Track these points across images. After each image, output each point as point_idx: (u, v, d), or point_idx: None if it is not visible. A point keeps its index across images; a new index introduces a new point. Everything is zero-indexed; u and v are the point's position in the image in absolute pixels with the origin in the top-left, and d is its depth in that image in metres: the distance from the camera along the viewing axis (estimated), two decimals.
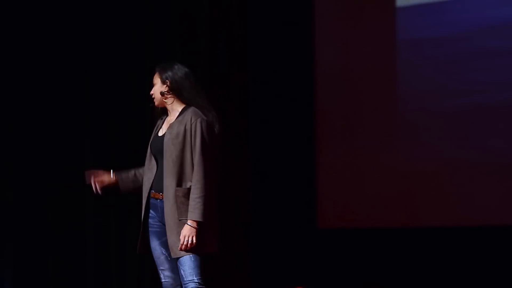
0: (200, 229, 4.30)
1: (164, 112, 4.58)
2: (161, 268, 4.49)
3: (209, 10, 7.49)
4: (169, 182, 4.35)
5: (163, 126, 4.54)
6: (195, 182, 4.31)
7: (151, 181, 4.48)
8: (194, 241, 4.28)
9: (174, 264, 4.42)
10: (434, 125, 7.09)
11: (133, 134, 7.44)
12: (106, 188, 4.65)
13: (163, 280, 4.50)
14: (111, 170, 4.64)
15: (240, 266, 7.45)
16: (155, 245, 4.47)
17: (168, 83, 4.46)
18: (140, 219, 4.58)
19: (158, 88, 4.49)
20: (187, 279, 4.35)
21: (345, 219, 7.41)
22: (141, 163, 7.45)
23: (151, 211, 4.49)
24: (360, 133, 7.37)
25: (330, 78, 7.54)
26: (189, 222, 4.29)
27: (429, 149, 7.10)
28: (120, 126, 7.44)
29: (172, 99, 4.48)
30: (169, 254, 4.41)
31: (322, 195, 7.51)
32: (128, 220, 7.41)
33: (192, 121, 4.36)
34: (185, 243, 4.28)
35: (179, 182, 4.34)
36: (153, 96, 4.52)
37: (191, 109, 4.42)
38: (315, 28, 7.61)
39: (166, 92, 4.46)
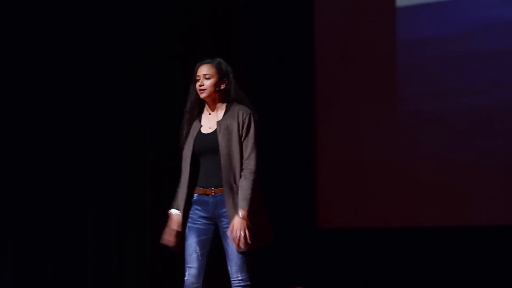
0: (256, 220, 4.37)
1: (196, 107, 4.58)
2: (189, 265, 4.46)
3: (209, 9, 7.52)
4: (226, 177, 4.40)
5: (202, 123, 4.55)
6: (247, 174, 4.39)
7: (196, 178, 4.50)
8: (247, 233, 4.31)
9: (203, 264, 4.44)
10: (433, 125, 7.09)
11: (133, 133, 7.45)
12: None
13: (186, 278, 4.47)
14: (178, 213, 4.57)
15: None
16: (192, 242, 4.47)
17: (225, 80, 4.52)
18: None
19: (214, 83, 4.50)
20: (234, 276, 4.40)
21: (345, 219, 7.40)
22: (141, 162, 7.49)
23: (197, 207, 4.49)
24: (360, 133, 7.36)
25: (330, 78, 7.54)
26: (240, 213, 4.33)
27: (429, 149, 7.10)
28: (120, 125, 7.45)
29: (221, 95, 4.53)
30: (202, 254, 4.44)
31: (322, 195, 7.51)
32: (128, 220, 7.42)
33: (244, 116, 4.46)
34: (238, 237, 4.30)
35: (236, 177, 4.41)
36: (203, 89, 4.51)
37: (239, 105, 4.51)
38: (315, 28, 7.61)
39: (221, 89, 4.51)
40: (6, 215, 7.15)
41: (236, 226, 4.32)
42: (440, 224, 7.05)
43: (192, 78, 4.54)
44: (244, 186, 4.37)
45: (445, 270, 6.93)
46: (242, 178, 4.38)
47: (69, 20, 7.38)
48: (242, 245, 4.33)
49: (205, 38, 7.47)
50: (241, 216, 4.33)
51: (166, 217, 7.35)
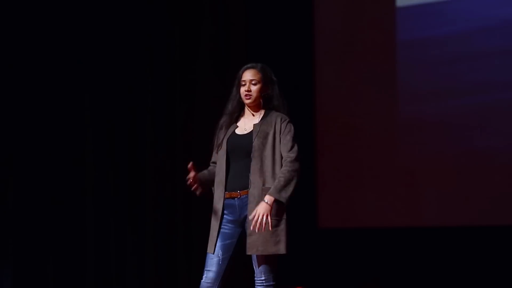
0: (280, 227, 4.40)
1: (237, 110, 4.60)
2: (208, 269, 4.44)
3: (209, 7, 7.53)
4: (255, 180, 4.38)
5: (238, 124, 4.57)
6: (288, 162, 4.35)
7: (225, 180, 4.48)
8: (269, 220, 4.28)
9: (223, 269, 4.42)
10: (434, 125, 7.10)
11: (133, 131, 7.45)
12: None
13: (202, 280, 4.45)
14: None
15: (240, 266, 7.44)
16: (216, 246, 4.45)
17: (270, 86, 4.55)
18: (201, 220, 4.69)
19: (260, 89, 4.53)
20: (258, 276, 4.41)
21: (345, 219, 7.41)
22: (142, 162, 7.50)
23: (225, 211, 4.47)
24: (360, 133, 7.37)
25: (330, 78, 7.55)
26: (267, 198, 4.29)
27: (429, 149, 7.10)
28: (121, 123, 7.45)
29: (264, 100, 4.55)
30: (224, 258, 4.43)
31: (322, 195, 7.51)
32: (127, 220, 7.42)
33: (282, 121, 4.47)
34: (259, 220, 4.26)
35: (265, 180, 4.39)
36: (249, 95, 4.52)
37: (277, 113, 4.52)
38: (315, 28, 7.62)
39: (265, 95, 4.53)
40: (6, 215, 7.15)
41: (260, 210, 4.27)
42: (439, 224, 7.05)
43: (236, 81, 4.55)
44: (281, 173, 4.34)
45: (445, 270, 6.94)
46: (283, 167, 4.36)
47: (70, 19, 7.38)
48: (260, 229, 4.27)
49: (205, 37, 7.48)
50: (266, 202, 4.28)
51: (166, 217, 7.34)
